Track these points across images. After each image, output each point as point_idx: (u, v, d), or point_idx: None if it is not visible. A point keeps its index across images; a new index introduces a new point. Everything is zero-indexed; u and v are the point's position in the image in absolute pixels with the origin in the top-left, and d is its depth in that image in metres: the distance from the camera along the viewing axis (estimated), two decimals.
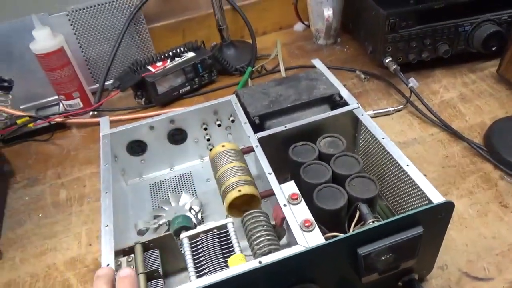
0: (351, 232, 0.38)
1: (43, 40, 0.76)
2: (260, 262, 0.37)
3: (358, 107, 0.54)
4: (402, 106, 0.75)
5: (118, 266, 0.43)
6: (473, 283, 0.49)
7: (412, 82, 0.74)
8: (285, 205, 0.43)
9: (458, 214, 0.56)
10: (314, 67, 0.65)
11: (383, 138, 0.49)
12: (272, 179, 0.46)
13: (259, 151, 0.50)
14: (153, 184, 0.63)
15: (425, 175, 0.61)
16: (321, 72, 0.61)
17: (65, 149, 0.79)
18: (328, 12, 0.87)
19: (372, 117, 0.73)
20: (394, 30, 0.76)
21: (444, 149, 0.66)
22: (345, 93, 0.56)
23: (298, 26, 1.04)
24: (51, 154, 0.78)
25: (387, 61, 0.78)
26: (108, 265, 0.40)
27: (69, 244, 0.61)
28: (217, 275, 0.37)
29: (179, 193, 0.58)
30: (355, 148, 0.58)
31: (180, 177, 0.63)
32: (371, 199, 0.45)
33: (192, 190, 0.61)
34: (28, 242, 0.62)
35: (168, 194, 0.59)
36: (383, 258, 0.41)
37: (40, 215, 0.66)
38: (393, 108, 0.74)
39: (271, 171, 0.47)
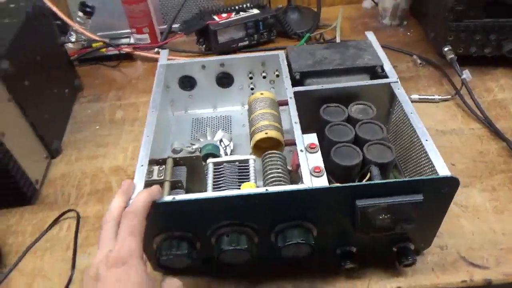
0: (352, 183, 0.42)
1: None
2: (266, 190, 0.42)
3: (397, 82, 0.56)
4: (450, 96, 0.74)
5: (150, 172, 0.50)
6: (467, 267, 0.51)
7: (466, 74, 0.73)
8: (301, 151, 0.47)
9: (473, 205, 0.57)
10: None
11: (411, 113, 0.51)
12: (297, 127, 0.50)
13: (291, 103, 0.54)
14: (195, 119, 0.70)
15: (453, 165, 0.63)
16: (371, 44, 0.62)
17: (128, 77, 0.88)
18: None
19: (416, 102, 0.74)
20: (459, 19, 0.74)
21: (481, 145, 0.66)
22: (387, 67, 0.58)
23: (367, 3, 1.03)
24: (115, 79, 0.88)
25: (446, 49, 0.77)
26: (142, 166, 0.47)
27: (116, 155, 0.70)
28: (227, 191, 0.42)
29: (216, 130, 0.64)
30: (388, 123, 0.60)
31: (221, 118, 0.69)
32: (384, 165, 0.48)
33: (228, 131, 0.67)
34: (83, 146, 0.72)
35: (206, 130, 0.65)
36: (380, 217, 0.44)
37: (97, 127, 0.76)
38: (440, 97, 0.74)
39: (297, 120, 0.51)
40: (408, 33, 0.94)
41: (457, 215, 0.57)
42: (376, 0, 0.99)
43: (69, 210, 0.60)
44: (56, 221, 0.60)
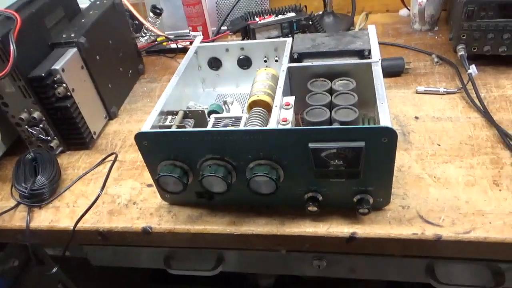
0: (302, 127, 0.52)
1: None
2: (236, 129, 0.54)
3: (377, 62, 0.64)
4: (456, 90, 0.78)
5: (165, 119, 0.64)
6: (422, 224, 0.56)
7: (472, 69, 0.77)
8: (276, 106, 0.58)
9: (445, 177, 0.62)
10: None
11: (378, 84, 0.59)
12: (279, 91, 0.61)
13: (282, 75, 0.65)
14: (221, 94, 0.84)
15: (439, 145, 0.69)
16: (367, 33, 0.71)
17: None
18: None
19: (421, 93, 0.80)
20: (471, 19, 0.79)
21: (473, 131, 0.70)
22: (375, 51, 0.66)
23: (403, 12, 1.10)
24: (171, 67, 1.06)
25: (458, 47, 0.81)
26: (156, 110, 0.62)
27: None
28: (208, 128, 0.55)
29: (233, 102, 0.77)
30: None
31: (240, 95, 0.82)
32: (345, 123, 0.56)
33: (243, 104, 0.79)
34: (134, 113, 0.90)
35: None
36: (333, 162, 0.53)
37: (148, 100, 0.94)
38: (445, 90, 0.78)
39: (281, 85, 0.62)
40: (436, 37, 0.98)
41: (428, 184, 0.62)
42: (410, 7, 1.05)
43: (111, 154, 0.78)
44: (102, 161, 0.77)
